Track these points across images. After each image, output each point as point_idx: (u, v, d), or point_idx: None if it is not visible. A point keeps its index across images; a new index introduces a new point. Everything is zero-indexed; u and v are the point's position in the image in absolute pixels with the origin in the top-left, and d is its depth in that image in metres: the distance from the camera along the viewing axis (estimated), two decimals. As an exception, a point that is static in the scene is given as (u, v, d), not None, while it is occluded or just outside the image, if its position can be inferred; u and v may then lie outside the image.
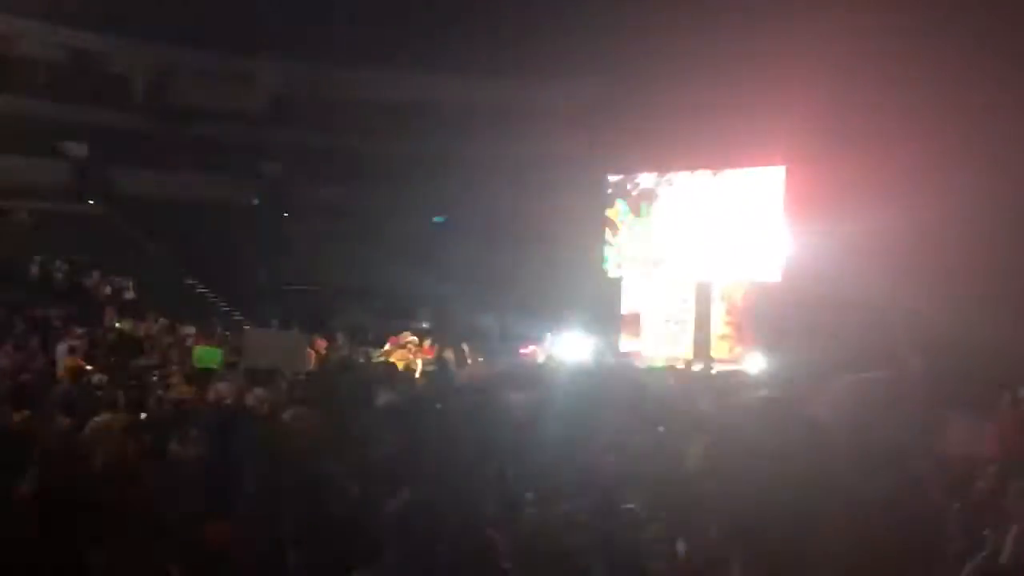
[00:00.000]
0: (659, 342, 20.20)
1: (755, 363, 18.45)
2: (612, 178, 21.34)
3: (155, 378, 11.95)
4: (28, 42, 29.66)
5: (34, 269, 22.76)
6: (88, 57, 30.86)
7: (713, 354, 18.63)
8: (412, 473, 6.18)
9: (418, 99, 31.79)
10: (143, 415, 9.51)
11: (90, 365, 13.10)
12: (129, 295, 23.06)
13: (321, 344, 16.44)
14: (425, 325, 22.96)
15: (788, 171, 18.55)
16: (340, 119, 32.33)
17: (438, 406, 9.94)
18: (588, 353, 17.30)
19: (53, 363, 13.89)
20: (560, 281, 21.14)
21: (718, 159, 19.45)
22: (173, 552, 5.36)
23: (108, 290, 23.03)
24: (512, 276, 24.00)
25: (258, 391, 9.50)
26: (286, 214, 30.74)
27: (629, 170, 21.27)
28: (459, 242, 27.34)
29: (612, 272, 21.03)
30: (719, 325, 19.70)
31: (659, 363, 16.83)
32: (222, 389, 10.15)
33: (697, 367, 15.83)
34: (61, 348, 14.28)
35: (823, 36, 17.26)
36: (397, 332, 18.18)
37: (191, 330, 19.14)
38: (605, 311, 20.92)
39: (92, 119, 29.49)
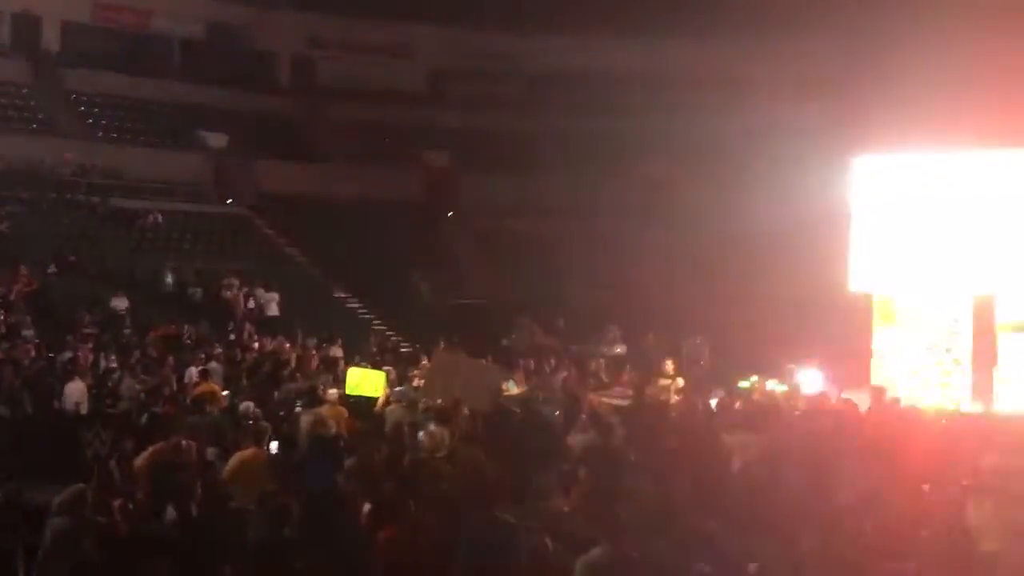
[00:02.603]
0: (923, 377, 19.32)
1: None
2: (857, 160, 20.62)
3: (299, 408, 12.54)
4: (160, 17, 31.89)
5: (168, 280, 24.05)
6: (227, 32, 32.92)
7: (997, 396, 17.64)
8: (607, 527, 6.26)
9: (611, 68, 31.92)
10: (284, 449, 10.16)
11: (227, 390, 13.94)
12: (273, 311, 24.00)
13: (521, 378, 16.58)
14: (619, 350, 22.88)
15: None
16: (515, 96, 33.00)
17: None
18: (826, 387, 16.80)
19: (184, 387, 14.71)
20: (791, 293, 20.63)
21: (994, 136, 18.39)
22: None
23: (251, 304, 24.07)
24: (727, 287, 23.62)
25: (433, 428, 9.87)
26: (451, 213, 31.51)
27: (879, 151, 20.50)
28: (659, 248, 27.02)
29: (856, 286, 20.30)
30: (1004, 356, 18.63)
31: (923, 404, 16.08)
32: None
33: (976, 410, 15.08)
34: (191, 372, 15.22)
35: None
36: None
37: (339, 351, 19.88)
38: (849, 334, 20.23)
39: (232, 104, 31.40)
